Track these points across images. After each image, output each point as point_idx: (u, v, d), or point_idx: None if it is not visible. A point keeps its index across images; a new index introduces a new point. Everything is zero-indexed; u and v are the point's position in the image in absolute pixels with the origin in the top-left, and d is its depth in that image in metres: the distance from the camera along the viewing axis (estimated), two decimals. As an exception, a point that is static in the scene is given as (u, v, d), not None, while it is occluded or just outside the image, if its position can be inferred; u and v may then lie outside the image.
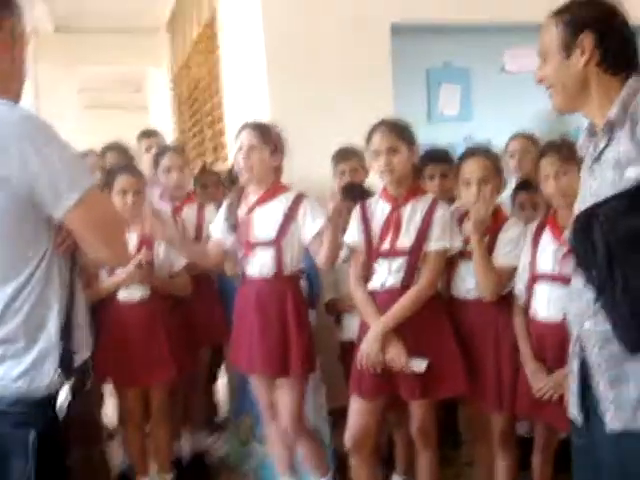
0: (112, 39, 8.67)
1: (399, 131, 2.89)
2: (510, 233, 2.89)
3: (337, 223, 2.92)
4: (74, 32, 8.64)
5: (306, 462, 3.24)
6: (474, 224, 2.83)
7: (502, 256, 2.87)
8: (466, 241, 2.90)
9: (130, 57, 9.21)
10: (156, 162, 3.79)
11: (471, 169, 2.92)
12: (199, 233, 3.69)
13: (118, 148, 4.35)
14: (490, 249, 2.89)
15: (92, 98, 12.30)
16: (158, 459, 3.58)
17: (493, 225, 2.91)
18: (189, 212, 3.75)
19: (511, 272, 2.86)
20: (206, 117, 6.58)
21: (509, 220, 2.95)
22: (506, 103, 4.74)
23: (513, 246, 2.87)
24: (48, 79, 7.49)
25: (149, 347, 3.31)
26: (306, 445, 3.19)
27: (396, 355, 2.79)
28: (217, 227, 3.23)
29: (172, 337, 3.37)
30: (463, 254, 2.92)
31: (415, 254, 2.85)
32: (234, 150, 3.26)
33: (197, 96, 7.00)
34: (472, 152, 3.01)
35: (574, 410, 1.90)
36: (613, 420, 1.74)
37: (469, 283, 2.92)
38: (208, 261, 3.29)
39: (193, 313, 3.55)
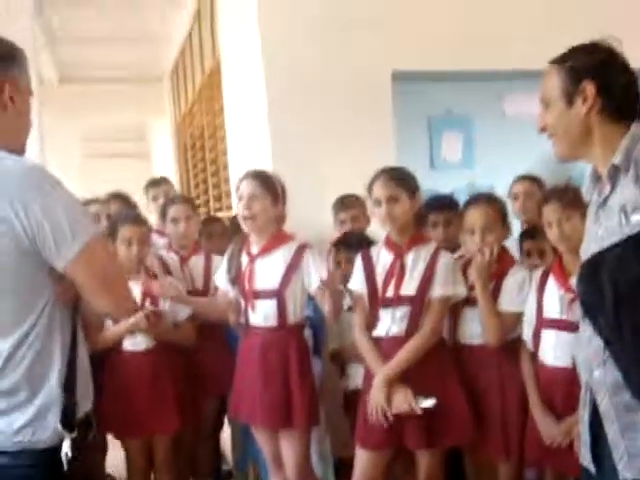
0: (115, 88, 8.80)
1: (400, 180, 2.90)
2: (515, 278, 2.89)
3: (335, 280, 2.91)
4: (78, 82, 8.76)
5: None
6: (477, 271, 2.85)
7: (506, 302, 2.87)
8: (471, 287, 2.90)
9: (133, 106, 9.33)
10: (163, 212, 3.78)
11: (474, 217, 2.93)
12: (207, 284, 3.67)
13: (121, 197, 4.36)
14: (495, 294, 2.89)
15: (95, 147, 12.41)
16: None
17: (498, 270, 2.92)
18: (197, 262, 3.73)
19: (515, 318, 2.86)
20: (210, 165, 6.61)
21: (515, 266, 2.95)
22: (508, 148, 4.75)
23: (517, 292, 2.87)
24: (52, 128, 7.53)
25: (153, 397, 3.29)
26: None
27: (403, 398, 2.76)
28: (221, 277, 3.22)
29: (177, 387, 3.35)
30: (468, 300, 2.92)
31: (419, 302, 2.85)
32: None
33: (201, 144, 7.04)
34: (475, 200, 3.03)
35: (586, 459, 1.87)
36: (626, 469, 1.71)
37: (474, 329, 2.92)
38: (219, 313, 3.26)
39: (200, 363, 3.52)
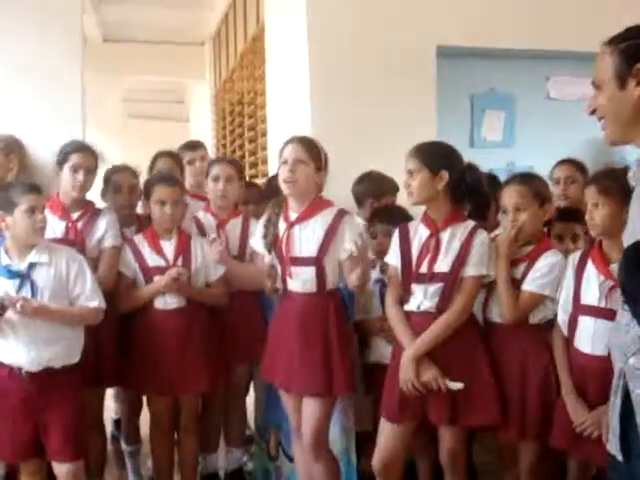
0: (158, 50, 8.82)
1: (421, 154, 2.88)
2: (545, 261, 2.87)
3: (364, 254, 2.90)
4: (121, 42, 8.78)
5: None
6: (499, 246, 2.87)
7: (530, 282, 2.86)
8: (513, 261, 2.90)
9: (174, 69, 9.35)
10: (207, 171, 3.76)
11: (507, 197, 2.94)
12: (242, 249, 3.63)
13: (171, 155, 4.27)
14: (526, 275, 2.87)
15: (135, 107, 12.47)
16: (182, 470, 3.59)
17: (534, 252, 2.90)
18: (234, 226, 3.68)
19: (535, 299, 2.85)
20: (248, 131, 6.61)
21: (551, 249, 2.92)
22: (550, 130, 4.69)
23: (544, 274, 2.84)
24: (95, 87, 7.57)
25: (182, 357, 3.32)
26: (322, 469, 3.12)
27: (431, 377, 2.77)
28: (257, 242, 3.22)
29: (207, 348, 3.38)
30: None
31: (452, 279, 2.84)
32: (274, 165, 3.26)
33: (240, 110, 7.04)
34: (509, 180, 3.04)
35: (615, 447, 1.86)
36: None
37: None
38: (256, 278, 3.26)
39: (233, 328, 3.52)
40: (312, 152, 3.03)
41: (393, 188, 3.72)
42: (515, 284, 2.87)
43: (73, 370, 3.01)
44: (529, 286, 2.85)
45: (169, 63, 9.07)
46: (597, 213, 2.67)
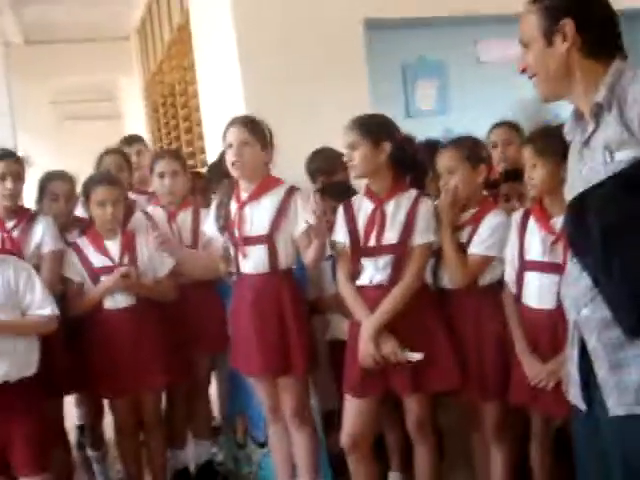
0: (82, 49, 8.66)
1: (360, 127, 2.87)
2: (488, 223, 2.88)
3: (322, 226, 2.90)
4: (44, 43, 8.60)
5: (298, 461, 3.20)
6: (440, 213, 2.89)
7: (476, 245, 2.87)
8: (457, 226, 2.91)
9: (101, 66, 9.21)
10: (151, 167, 3.70)
11: (439, 161, 2.96)
12: (195, 239, 3.61)
13: (117, 151, 4.17)
14: (471, 238, 2.89)
15: (65, 109, 12.24)
16: (152, 468, 3.57)
17: (477, 215, 2.92)
18: (185, 218, 3.65)
19: (484, 262, 2.87)
20: (183, 122, 6.53)
21: (492, 210, 2.94)
22: (483, 94, 4.73)
23: (489, 236, 2.86)
24: (21, 92, 7.43)
25: (137, 354, 3.28)
26: (303, 442, 3.15)
27: (390, 349, 2.78)
28: (210, 226, 3.21)
29: (162, 344, 3.34)
30: None
31: (401, 250, 2.85)
32: (213, 153, 3.24)
33: (172, 101, 6.95)
34: (443, 145, 3.05)
35: (576, 397, 1.89)
36: (616, 405, 1.73)
37: None
38: (207, 264, 3.27)
39: (192, 320, 3.49)
40: (256, 132, 3.02)
41: (344, 165, 3.71)
42: (462, 248, 2.88)
43: (30, 382, 2.94)
44: (476, 249, 2.86)
45: (95, 61, 8.91)
46: (535, 173, 2.69)
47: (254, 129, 3.02)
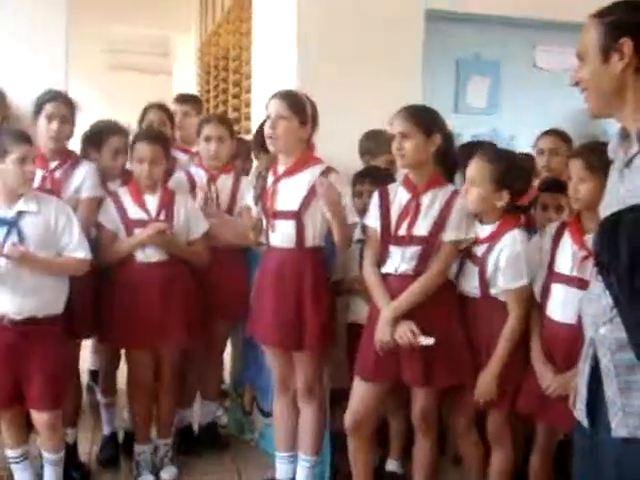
0: (143, 1, 8.64)
1: (414, 117, 2.87)
2: (509, 253, 2.84)
3: (339, 211, 2.93)
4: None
5: (302, 435, 3.26)
6: None
7: (508, 282, 2.85)
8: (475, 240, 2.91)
9: (159, 21, 9.17)
10: (198, 130, 3.74)
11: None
12: (232, 205, 3.66)
13: (161, 107, 4.19)
14: (485, 257, 2.88)
15: (118, 59, 12.27)
16: (160, 423, 3.62)
17: (496, 231, 2.88)
18: (225, 182, 3.69)
19: (521, 292, 2.84)
20: (233, 87, 6.56)
21: (510, 233, 2.88)
22: (534, 99, 4.70)
23: (516, 269, 2.83)
24: (77, 35, 7.44)
25: (162, 310, 3.34)
26: (310, 417, 3.21)
27: (405, 329, 2.79)
28: (249, 196, 3.26)
29: (187, 303, 3.40)
30: (469, 253, 2.93)
31: (430, 243, 2.87)
32: (258, 121, 3.27)
33: (225, 65, 6.97)
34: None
35: (581, 413, 1.91)
36: (619, 426, 1.74)
37: (471, 282, 2.92)
38: (240, 233, 3.32)
39: (216, 286, 3.53)
40: (295, 107, 3.03)
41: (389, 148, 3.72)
42: (476, 261, 2.88)
43: (56, 320, 3.02)
44: (512, 285, 2.83)
45: (154, 14, 8.90)
46: (583, 187, 2.68)
47: (294, 104, 3.04)
